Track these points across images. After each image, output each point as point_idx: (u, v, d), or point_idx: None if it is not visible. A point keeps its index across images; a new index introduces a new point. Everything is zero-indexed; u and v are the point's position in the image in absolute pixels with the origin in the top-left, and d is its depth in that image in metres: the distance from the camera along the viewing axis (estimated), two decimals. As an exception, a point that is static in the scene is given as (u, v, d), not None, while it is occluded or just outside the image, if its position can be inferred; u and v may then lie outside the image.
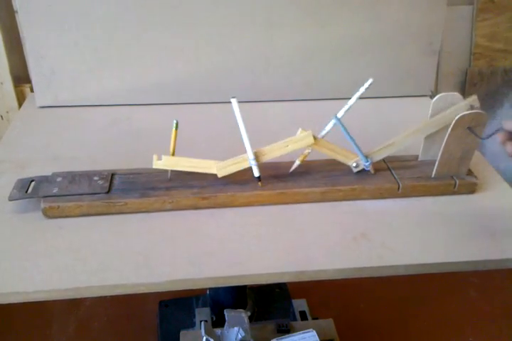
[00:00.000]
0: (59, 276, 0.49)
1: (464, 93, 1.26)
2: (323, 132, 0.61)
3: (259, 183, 0.61)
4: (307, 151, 0.62)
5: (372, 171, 0.63)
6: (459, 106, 0.61)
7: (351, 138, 0.60)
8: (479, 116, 0.58)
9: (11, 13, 0.88)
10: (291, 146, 0.59)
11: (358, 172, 0.63)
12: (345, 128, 0.59)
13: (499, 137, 0.52)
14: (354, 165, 0.62)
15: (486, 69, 1.25)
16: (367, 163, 0.62)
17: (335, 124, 0.60)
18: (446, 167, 0.62)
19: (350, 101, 0.60)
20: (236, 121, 0.58)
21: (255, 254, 0.53)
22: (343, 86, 0.89)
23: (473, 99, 0.60)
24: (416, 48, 0.89)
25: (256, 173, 0.60)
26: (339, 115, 0.60)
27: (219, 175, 0.60)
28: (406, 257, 0.54)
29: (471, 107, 0.60)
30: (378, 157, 0.63)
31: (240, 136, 0.59)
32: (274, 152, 0.60)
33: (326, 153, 0.61)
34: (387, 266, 0.53)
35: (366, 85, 0.59)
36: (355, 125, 0.77)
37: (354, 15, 0.85)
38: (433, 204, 0.62)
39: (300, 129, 0.59)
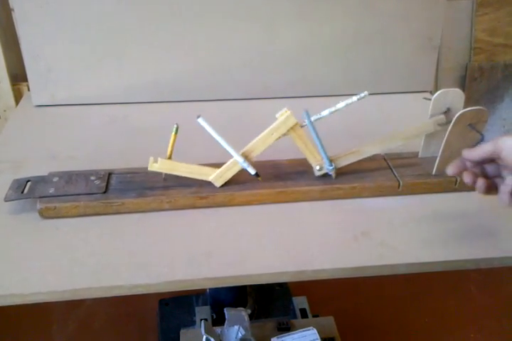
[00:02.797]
0: (56, 278, 0.49)
1: (464, 88, 1.25)
2: (303, 124, 0.59)
3: (259, 178, 0.60)
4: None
5: (334, 176, 0.61)
6: (426, 122, 0.61)
7: (319, 139, 0.58)
8: (480, 113, 0.57)
9: (7, 11, 0.87)
10: (276, 133, 0.58)
11: (323, 175, 0.62)
12: (314, 129, 0.58)
13: (450, 168, 0.50)
14: (317, 168, 0.61)
15: (486, 64, 1.24)
16: (330, 168, 0.60)
17: (306, 123, 0.58)
18: (447, 164, 0.61)
19: (339, 105, 0.59)
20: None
21: (254, 254, 0.53)
22: (342, 82, 0.89)
23: (440, 117, 0.61)
24: (415, 44, 0.89)
25: (252, 172, 0.59)
26: (324, 113, 0.59)
27: (217, 185, 0.59)
28: (407, 256, 0.53)
29: (438, 125, 0.61)
30: (342, 163, 0.61)
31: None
32: (261, 145, 0.59)
33: (298, 145, 0.59)
34: (387, 264, 0.52)
35: (359, 96, 0.58)
36: (355, 121, 0.76)
37: (353, 11, 0.84)
38: (434, 201, 0.62)
39: (280, 112, 0.58)
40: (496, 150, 0.46)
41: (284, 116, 0.57)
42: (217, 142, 0.58)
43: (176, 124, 0.58)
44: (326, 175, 0.62)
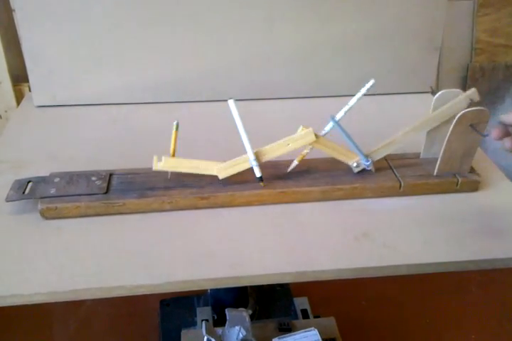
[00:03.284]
0: (57, 278, 0.49)
1: (466, 89, 1.25)
2: (323, 132, 0.60)
3: (262, 183, 0.60)
4: (305, 151, 0.61)
5: (373, 170, 0.62)
6: (457, 99, 0.60)
7: (350, 138, 0.59)
8: (481, 113, 0.57)
9: (8, 11, 0.87)
10: (293, 145, 0.59)
11: (359, 171, 0.62)
12: (343, 130, 0.58)
13: (494, 132, 0.50)
14: (355, 165, 0.61)
15: (487, 64, 1.24)
16: (367, 163, 0.61)
17: (333, 126, 0.59)
18: (449, 165, 0.62)
19: (351, 102, 0.59)
20: (234, 121, 0.57)
21: (255, 255, 0.53)
22: (343, 83, 0.89)
23: (472, 91, 0.60)
24: (417, 44, 0.89)
25: (258, 174, 0.59)
26: (338, 116, 0.59)
27: (220, 177, 0.59)
28: (408, 256, 0.53)
29: (471, 100, 0.59)
30: (378, 156, 0.62)
31: (239, 134, 0.58)
32: (274, 151, 0.59)
33: (326, 151, 0.60)
34: (388, 265, 0.52)
35: (368, 86, 0.58)
36: (356, 122, 0.76)
37: (354, 11, 0.84)
38: (435, 202, 0.62)
39: (301, 127, 0.58)
40: None
41: (304, 131, 0.58)
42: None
43: (176, 121, 0.58)
44: (327, 174, 0.62)
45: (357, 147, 0.60)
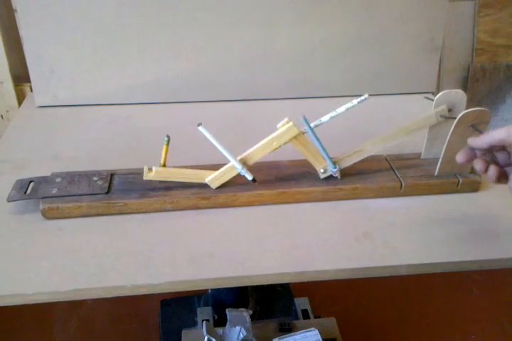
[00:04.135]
0: (58, 278, 0.49)
1: (467, 89, 1.25)
2: (303, 129, 0.59)
3: (256, 184, 0.60)
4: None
5: (339, 177, 0.62)
6: (428, 114, 0.61)
7: (319, 143, 0.58)
8: (482, 114, 0.57)
9: (10, 12, 0.88)
10: (277, 142, 0.58)
11: (327, 177, 0.62)
12: (314, 133, 0.58)
13: (460, 156, 0.49)
14: (322, 170, 0.61)
15: (488, 65, 1.24)
16: (334, 170, 0.60)
17: (306, 128, 0.58)
18: (449, 165, 0.62)
19: (339, 110, 0.58)
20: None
21: (256, 255, 0.53)
22: (343, 83, 0.89)
23: (442, 108, 0.60)
24: (418, 45, 0.89)
25: (249, 177, 0.59)
26: (324, 119, 0.59)
27: (213, 187, 0.59)
28: (409, 257, 0.53)
29: (441, 117, 0.60)
30: (346, 163, 0.61)
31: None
32: (261, 152, 0.59)
33: (301, 151, 0.60)
34: (389, 266, 0.52)
35: (360, 99, 0.57)
36: (357, 122, 0.76)
37: (355, 12, 0.84)
38: (436, 202, 0.62)
39: (284, 120, 0.58)
40: (506, 138, 0.45)
41: (285, 126, 0.57)
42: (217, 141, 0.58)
43: (167, 136, 0.57)
44: (331, 177, 0.62)
45: (326, 153, 0.59)
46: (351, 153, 0.61)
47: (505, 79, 1.26)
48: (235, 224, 0.58)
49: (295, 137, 0.58)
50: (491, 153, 0.49)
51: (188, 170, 0.60)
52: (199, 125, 0.56)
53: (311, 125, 0.58)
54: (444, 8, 0.87)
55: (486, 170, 0.47)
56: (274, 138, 0.58)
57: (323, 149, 0.59)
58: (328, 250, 0.54)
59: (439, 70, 1.18)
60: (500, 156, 0.48)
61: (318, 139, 0.58)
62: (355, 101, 0.58)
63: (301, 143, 0.59)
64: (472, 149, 0.49)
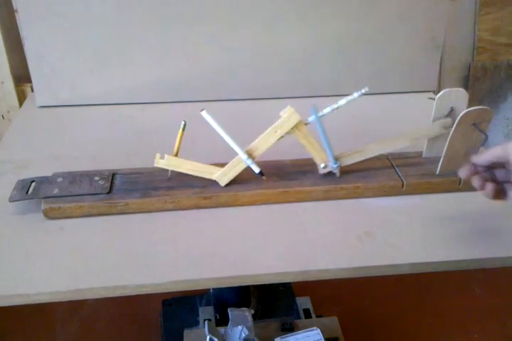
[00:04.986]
0: (60, 278, 0.49)
1: (468, 88, 1.25)
2: (306, 121, 0.59)
3: (264, 177, 0.60)
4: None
5: (338, 174, 0.62)
6: (431, 126, 0.61)
7: (324, 135, 0.58)
8: (484, 112, 0.57)
9: (11, 12, 0.88)
10: (280, 131, 0.58)
11: (327, 173, 0.62)
12: (321, 126, 0.58)
13: (463, 172, 0.50)
14: (322, 165, 0.61)
15: (489, 63, 1.23)
16: (335, 166, 0.60)
17: (313, 119, 0.58)
18: (451, 164, 0.62)
19: (341, 102, 0.59)
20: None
21: (258, 254, 0.53)
22: (344, 82, 0.89)
23: (447, 120, 0.61)
24: (419, 43, 0.89)
25: (256, 170, 0.59)
26: (325, 111, 0.59)
27: (222, 184, 0.59)
28: (411, 255, 0.53)
29: (444, 128, 0.61)
30: (347, 161, 0.61)
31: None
32: (265, 143, 0.58)
33: (302, 143, 0.59)
34: (391, 264, 0.52)
35: (361, 92, 0.58)
36: (358, 121, 0.76)
37: (356, 10, 0.84)
38: (438, 201, 0.62)
39: (287, 108, 0.58)
40: (504, 154, 0.46)
41: (287, 113, 0.57)
42: (220, 142, 0.58)
43: (184, 121, 0.58)
44: (330, 174, 0.62)
45: (329, 146, 0.59)
46: (353, 151, 0.61)
47: (507, 78, 1.26)
48: (236, 223, 0.58)
49: (298, 128, 0.58)
50: (490, 170, 0.50)
51: (199, 163, 0.59)
52: (202, 110, 0.56)
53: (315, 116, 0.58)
54: (445, 6, 0.86)
55: (483, 187, 0.48)
56: (277, 127, 0.58)
57: (327, 142, 0.59)
58: (330, 249, 0.54)
59: (440, 69, 1.18)
60: (499, 173, 0.49)
61: (323, 130, 0.58)
62: (356, 94, 0.58)
63: (304, 134, 0.59)
64: (474, 165, 0.50)
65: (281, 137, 0.58)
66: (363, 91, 0.58)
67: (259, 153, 0.59)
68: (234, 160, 0.59)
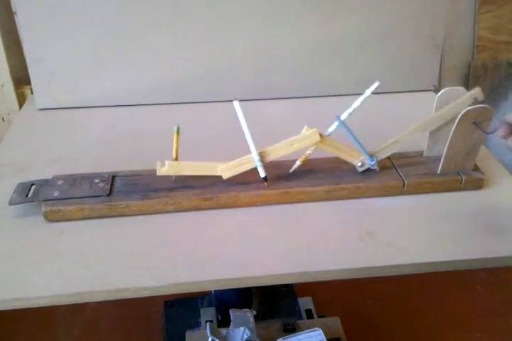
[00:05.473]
0: (61, 281, 0.49)
1: (468, 86, 1.24)
2: (327, 132, 0.60)
3: (266, 183, 0.60)
4: (308, 152, 0.61)
5: (378, 169, 0.62)
6: (462, 99, 0.60)
7: (355, 138, 0.59)
8: (485, 111, 0.57)
9: (9, 14, 0.87)
10: (297, 145, 0.58)
11: (363, 170, 0.62)
12: (349, 130, 0.58)
13: (501, 131, 0.52)
14: (359, 164, 0.61)
15: (489, 62, 1.23)
16: (372, 162, 0.61)
17: (338, 126, 0.59)
18: (452, 163, 0.61)
19: (355, 104, 0.59)
20: (238, 121, 0.57)
21: (259, 255, 0.53)
22: (345, 82, 0.89)
23: (477, 90, 0.59)
24: (418, 42, 0.88)
25: (262, 174, 0.59)
26: (342, 117, 0.59)
27: (224, 177, 0.59)
28: (413, 256, 0.53)
29: (475, 99, 0.59)
30: (383, 155, 0.62)
31: (242, 135, 0.58)
32: (279, 151, 0.59)
33: (331, 151, 0.60)
34: (393, 265, 0.52)
35: (372, 88, 0.58)
36: (359, 121, 0.76)
37: (356, 10, 0.84)
38: (439, 201, 0.61)
39: (305, 127, 0.58)
40: None
41: (309, 131, 0.58)
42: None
43: (177, 125, 0.58)
44: (330, 173, 0.62)
45: (362, 146, 0.60)
46: (387, 144, 0.61)
47: (507, 76, 1.26)
48: (237, 224, 0.57)
49: (322, 142, 0.59)
50: None
51: (200, 163, 0.59)
52: (235, 100, 0.56)
53: (335, 124, 0.59)
54: (444, 5, 0.86)
55: None
56: (295, 140, 0.58)
57: (359, 143, 0.59)
58: (332, 250, 0.53)
59: (440, 68, 1.17)
60: None
61: (353, 134, 0.58)
62: (367, 91, 0.58)
63: (329, 144, 0.60)
64: (510, 125, 0.51)
65: (299, 149, 0.59)
66: (375, 86, 0.57)
67: (270, 158, 0.59)
68: (245, 157, 0.59)
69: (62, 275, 0.50)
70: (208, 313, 0.93)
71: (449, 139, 0.59)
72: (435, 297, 1.19)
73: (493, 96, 1.28)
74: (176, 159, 0.59)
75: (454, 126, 0.58)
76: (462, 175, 0.62)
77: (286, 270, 0.51)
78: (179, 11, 0.80)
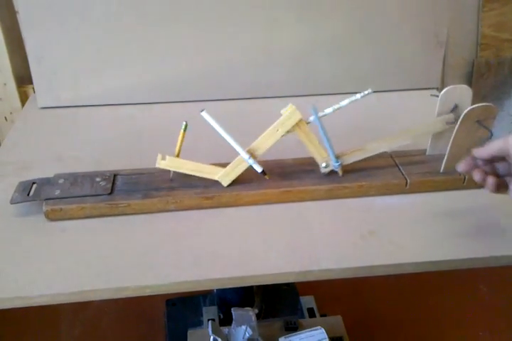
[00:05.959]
0: (63, 280, 0.49)
1: (471, 84, 1.24)
2: (308, 120, 0.58)
3: (266, 176, 0.60)
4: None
5: (340, 174, 0.61)
6: (435, 121, 0.60)
7: (326, 136, 0.58)
8: (488, 109, 0.56)
9: (12, 13, 0.88)
10: (281, 129, 0.57)
11: (329, 172, 0.61)
12: (321, 125, 0.57)
13: (462, 166, 0.50)
14: (324, 165, 0.60)
15: (493, 59, 1.22)
16: (336, 164, 0.60)
17: (313, 117, 0.58)
18: (455, 161, 0.60)
19: (343, 102, 0.58)
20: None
21: (261, 254, 0.52)
22: (347, 80, 0.88)
23: (449, 116, 0.60)
24: (422, 40, 0.88)
25: (258, 169, 0.59)
26: (327, 111, 0.58)
27: (224, 184, 0.59)
28: (414, 254, 0.53)
29: (447, 124, 0.60)
30: (349, 160, 0.61)
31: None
32: (266, 142, 0.58)
33: (304, 141, 0.59)
34: (395, 264, 0.52)
35: (364, 93, 0.57)
36: (361, 118, 0.76)
37: (358, 7, 0.83)
38: (442, 199, 0.61)
39: (290, 104, 0.57)
40: (504, 147, 0.46)
41: (288, 111, 0.57)
42: (221, 142, 0.58)
43: (185, 122, 0.58)
44: (332, 173, 0.61)
45: (330, 145, 0.59)
46: (355, 149, 0.61)
47: (510, 74, 1.25)
48: (238, 223, 0.57)
49: (298, 126, 0.58)
50: (491, 164, 0.49)
51: (200, 164, 0.59)
52: (202, 111, 0.56)
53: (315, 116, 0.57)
54: (447, 2, 0.86)
55: (484, 181, 0.48)
56: (278, 125, 0.57)
57: (328, 141, 0.58)
58: (334, 248, 0.53)
59: (444, 65, 1.17)
60: (501, 166, 0.49)
61: (324, 130, 0.57)
62: (358, 95, 0.58)
63: (305, 133, 0.58)
64: (474, 159, 0.49)
65: (283, 136, 0.58)
66: (366, 92, 0.57)
67: (260, 152, 0.59)
68: (236, 160, 0.59)
69: (64, 274, 0.50)
70: (209, 312, 0.93)
71: (452, 138, 0.59)
72: (437, 296, 1.19)
73: (497, 93, 1.27)
74: (178, 155, 0.58)
75: (458, 125, 0.57)
76: (465, 174, 0.62)
77: (288, 268, 0.51)
78: (180, 10, 0.80)
